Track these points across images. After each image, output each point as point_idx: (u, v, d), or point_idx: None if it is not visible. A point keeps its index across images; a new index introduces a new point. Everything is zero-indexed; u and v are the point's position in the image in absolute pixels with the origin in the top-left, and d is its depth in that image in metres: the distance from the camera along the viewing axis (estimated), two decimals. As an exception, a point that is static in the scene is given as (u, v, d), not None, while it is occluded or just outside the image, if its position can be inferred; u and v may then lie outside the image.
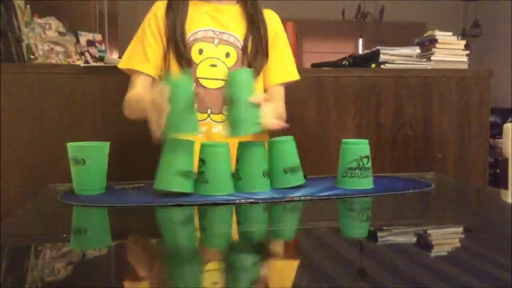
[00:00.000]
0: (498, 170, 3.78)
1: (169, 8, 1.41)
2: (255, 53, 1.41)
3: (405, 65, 2.11)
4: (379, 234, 0.87)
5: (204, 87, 1.38)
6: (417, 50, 2.16)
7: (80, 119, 1.85)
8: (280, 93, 1.48)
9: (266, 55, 1.43)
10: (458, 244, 0.83)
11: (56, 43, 1.96)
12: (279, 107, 1.46)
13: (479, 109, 2.11)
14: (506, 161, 1.88)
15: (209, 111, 1.39)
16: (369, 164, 1.11)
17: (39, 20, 1.99)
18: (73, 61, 1.99)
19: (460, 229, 0.92)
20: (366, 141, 1.11)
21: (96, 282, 0.63)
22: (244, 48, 1.40)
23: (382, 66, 2.09)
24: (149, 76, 1.40)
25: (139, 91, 1.36)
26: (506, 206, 1.14)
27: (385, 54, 2.11)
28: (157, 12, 1.44)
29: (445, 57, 2.16)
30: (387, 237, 0.85)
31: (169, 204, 0.98)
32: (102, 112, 1.87)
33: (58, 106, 1.84)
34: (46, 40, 1.95)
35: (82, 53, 2.06)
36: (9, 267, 0.68)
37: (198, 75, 1.38)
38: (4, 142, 1.79)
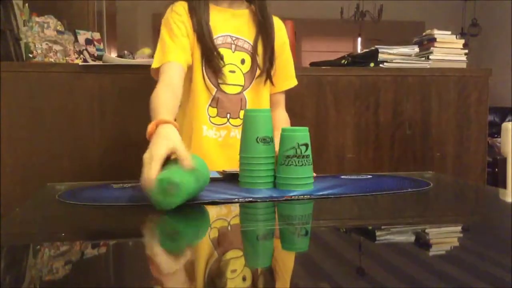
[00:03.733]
0: (497, 169, 3.79)
1: (192, 10, 1.40)
2: (265, 58, 1.45)
3: (404, 64, 2.12)
4: (377, 233, 0.87)
5: (224, 92, 1.42)
6: (415, 49, 2.16)
7: (79, 118, 1.86)
8: (282, 100, 1.56)
9: (273, 60, 1.47)
10: (457, 243, 0.83)
11: (55, 42, 1.96)
12: (282, 114, 1.54)
13: (478, 108, 2.12)
14: (504, 160, 1.88)
15: (228, 115, 1.42)
16: (308, 152, 1.07)
17: (37, 19, 1.99)
18: (72, 60, 1.99)
19: (459, 228, 0.93)
20: (306, 128, 1.08)
21: (95, 281, 0.63)
22: (254, 54, 1.44)
23: (380, 65, 2.09)
24: (183, 66, 1.34)
25: (160, 99, 1.23)
26: (504, 205, 1.14)
27: (383, 53, 2.11)
28: (179, 11, 1.39)
29: (444, 56, 2.16)
30: (385, 236, 0.85)
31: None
32: (101, 110, 1.87)
33: (56, 104, 1.84)
34: (45, 39, 1.95)
35: (80, 52, 2.06)
36: (8, 265, 0.68)
37: (219, 80, 1.41)
38: (3, 141, 1.79)
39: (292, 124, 1.53)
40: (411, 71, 2.10)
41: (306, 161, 1.07)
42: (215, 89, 1.41)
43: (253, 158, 1.09)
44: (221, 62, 1.39)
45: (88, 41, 2.20)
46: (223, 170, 1.25)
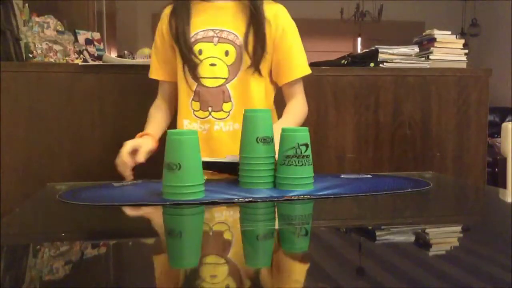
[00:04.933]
0: (497, 169, 3.79)
1: (173, 14, 1.46)
2: (255, 48, 1.42)
3: (404, 64, 2.11)
4: (377, 233, 0.87)
5: (205, 86, 1.42)
6: (415, 49, 2.16)
7: (79, 118, 1.85)
8: (294, 91, 1.50)
9: (264, 52, 1.43)
10: (457, 243, 0.83)
11: (55, 42, 1.96)
12: (291, 107, 1.49)
13: (478, 108, 2.12)
14: (504, 160, 1.88)
15: (210, 109, 1.43)
16: (308, 152, 1.07)
17: (37, 19, 1.99)
18: (72, 60, 1.99)
19: (459, 228, 0.93)
20: (306, 128, 1.08)
21: (94, 281, 0.63)
22: (245, 44, 1.42)
23: (381, 65, 2.09)
24: (167, 81, 1.52)
25: (151, 114, 1.53)
26: (504, 205, 1.14)
27: (384, 53, 2.11)
28: (162, 21, 1.49)
29: (444, 56, 2.16)
30: (385, 236, 0.85)
31: (168, 203, 0.98)
32: (101, 110, 1.87)
33: (56, 104, 1.84)
34: (45, 39, 1.94)
35: (80, 52, 2.06)
36: (8, 266, 0.68)
37: (199, 75, 1.42)
38: (3, 141, 1.79)
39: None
40: (411, 71, 2.10)
41: (306, 161, 1.07)
42: (196, 84, 1.43)
43: (253, 158, 1.09)
44: (197, 59, 1.41)
45: (88, 41, 2.20)
46: (226, 157, 1.26)
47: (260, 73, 1.44)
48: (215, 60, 1.42)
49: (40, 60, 1.92)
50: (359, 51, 4.82)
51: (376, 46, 2.14)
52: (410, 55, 2.14)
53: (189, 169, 0.99)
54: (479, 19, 6.60)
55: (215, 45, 1.42)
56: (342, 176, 1.28)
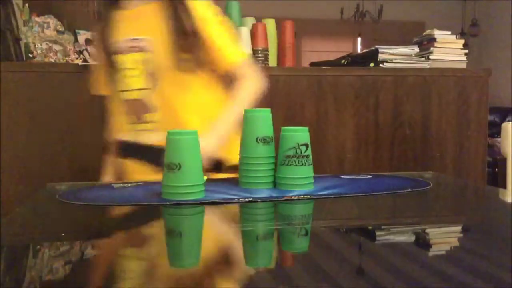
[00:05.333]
0: (497, 169, 3.79)
1: (100, 30, 1.44)
2: (174, 50, 1.35)
3: (404, 64, 2.12)
4: (377, 233, 0.87)
5: (129, 98, 1.40)
6: (415, 49, 2.16)
7: (79, 118, 1.86)
8: (238, 72, 1.41)
9: (184, 49, 1.36)
10: (457, 243, 0.83)
11: (55, 42, 1.96)
12: (237, 91, 1.40)
13: (478, 108, 2.12)
14: (504, 160, 1.88)
15: (137, 120, 1.40)
16: (308, 152, 1.07)
17: (37, 19, 1.99)
18: (72, 60, 1.99)
19: (459, 228, 0.93)
20: (306, 128, 1.08)
21: (94, 281, 0.63)
22: (163, 48, 1.36)
23: (381, 65, 2.09)
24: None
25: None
26: (504, 205, 1.14)
27: (383, 53, 2.11)
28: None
29: (444, 56, 2.16)
30: (385, 236, 0.85)
31: (168, 203, 0.98)
32: (100, 110, 1.87)
33: (56, 104, 1.84)
34: (45, 39, 1.95)
35: (80, 52, 2.06)
36: (7, 266, 0.68)
37: (122, 88, 1.40)
38: (3, 141, 1.79)
39: (292, 124, 1.53)
40: (411, 71, 2.10)
41: (306, 161, 1.07)
42: (122, 97, 1.41)
43: (253, 158, 1.09)
44: (119, 72, 1.39)
45: (88, 41, 2.20)
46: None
47: (184, 72, 1.37)
48: (134, 72, 1.38)
49: (40, 60, 1.92)
50: (359, 51, 4.81)
51: (376, 46, 2.14)
52: (410, 55, 2.14)
53: (189, 169, 0.99)
54: (479, 19, 6.60)
55: (134, 54, 1.37)
56: (342, 176, 1.28)
